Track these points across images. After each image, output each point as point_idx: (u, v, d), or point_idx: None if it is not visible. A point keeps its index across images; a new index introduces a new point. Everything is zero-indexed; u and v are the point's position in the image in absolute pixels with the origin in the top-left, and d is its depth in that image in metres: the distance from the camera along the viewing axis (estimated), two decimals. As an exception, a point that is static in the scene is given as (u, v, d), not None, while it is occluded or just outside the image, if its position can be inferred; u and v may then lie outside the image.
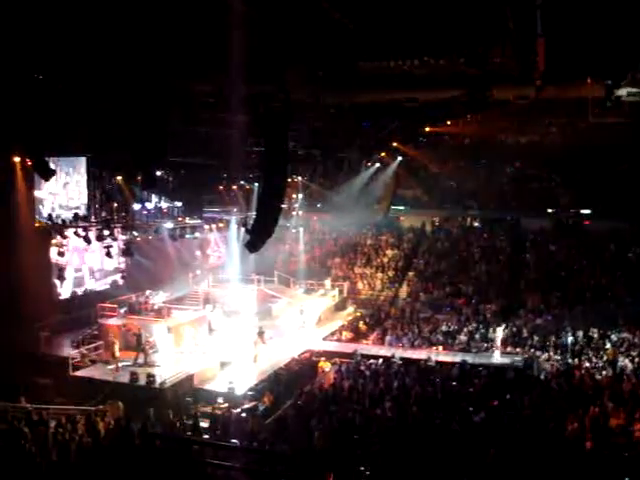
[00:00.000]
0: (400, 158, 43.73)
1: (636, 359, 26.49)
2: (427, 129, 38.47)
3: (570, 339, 29.49)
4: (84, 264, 32.20)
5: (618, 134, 33.76)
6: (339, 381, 25.12)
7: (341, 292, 39.59)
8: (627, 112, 28.26)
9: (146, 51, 15.42)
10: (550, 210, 43.05)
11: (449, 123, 37.31)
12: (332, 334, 33.16)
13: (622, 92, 24.83)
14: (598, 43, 18.29)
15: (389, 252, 44.00)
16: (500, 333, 29.54)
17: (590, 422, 19.84)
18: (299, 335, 31.87)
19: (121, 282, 34.05)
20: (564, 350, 28.55)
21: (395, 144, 41.48)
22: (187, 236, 32.72)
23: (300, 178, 43.02)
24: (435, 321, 33.83)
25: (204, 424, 21.20)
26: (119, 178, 30.41)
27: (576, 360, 27.11)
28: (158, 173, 32.88)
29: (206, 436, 20.36)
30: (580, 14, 16.43)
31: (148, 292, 31.09)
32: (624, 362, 26.16)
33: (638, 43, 17.48)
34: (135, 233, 31.33)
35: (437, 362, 27.14)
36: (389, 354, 28.38)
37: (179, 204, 35.19)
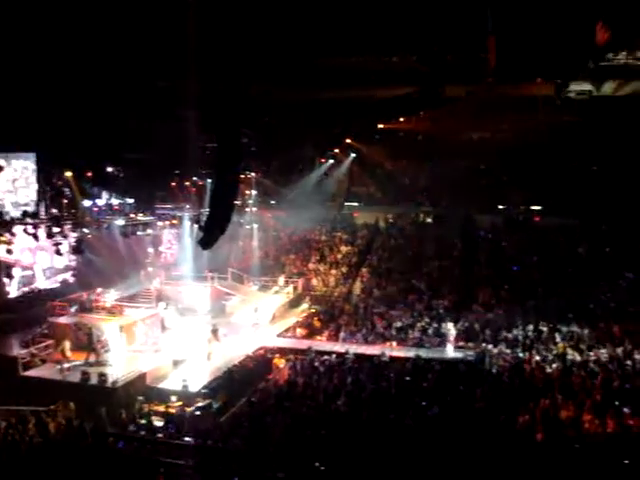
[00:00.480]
0: (354, 155, 43.97)
1: (585, 352, 27.03)
2: (381, 126, 38.76)
3: (521, 333, 29.96)
4: (35, 263, 31.59)
5: (568, 132, 34.48)
6: (293, 378, 25.14)
7: (295, 289, 39.58)
8: (577, 111, 28.88)
9: (100, 47, 15.23)
10: (501, 206, 43.76)
11: (402, 120, 37.65)
12: (286, 331, 33.12)
13: (571, 91, 25.38)
14: (548, 43, 18.64)
15: (343, 248, 44.14)
16: (452, 328, 29.84)
17: (541, 414, 20.22)
18: (253, 332, 31.78)
19: (72, 280, 33.52)
20: (515, 344, 28.97)
21: (349, 141, 41.73)
22: (139, 233, 32.38)
23: (254, 174, 42.94)
24: (389, 317, 34.01)
25: (157, 423, 21.03)
26: (68, 174, 29.87)
27: (527, 354, 27.52)
28: (109, 169, 32.51)
29: (159, 435, 20.21)
30: (531, 14, 16.71)
31: (99, 290, 30.64)
32: (573, 355, 26.67)
33: (586, 44, 17.85)
34: (86, 230, 30.82)
35: (391, 357, 27.32)
36: (343, 350, 28.47)
37: (131, 200, 34.80)
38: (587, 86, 26.65)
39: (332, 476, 15.34)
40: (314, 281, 41.29)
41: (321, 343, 30.88)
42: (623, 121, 33.13)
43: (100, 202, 33.05)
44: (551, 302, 32.90)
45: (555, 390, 22.30)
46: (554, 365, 25.65)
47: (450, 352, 28.79)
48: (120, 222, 31.96)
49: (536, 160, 40.84)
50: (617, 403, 20.83)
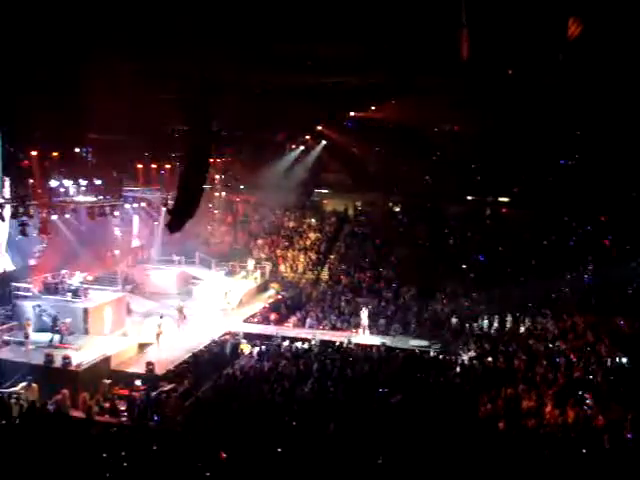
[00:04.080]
0: (324, 142, 43.95)
1: (548, 344, 27.36)
2: (352, 113, 38.73)
3: (486, 323, 30.27)
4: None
5: (537, 125, 34.78)
6: (259, 363, 25.18)
7: (263, 274, 39.60)
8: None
9: (67, 24, 14.98)
10: (469, 197, 44.06)
11: (374, 108, 37.64)
12: (253, 316, 33.15)
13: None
14: (520, 35, 18.74)
15: (312, 235, 44.20)
16: (365, 313, 30.62)
17: (503, 404, 20.49)
18: (220, 317, 31.77)
19: (37, 261, 33.01)
20: (480, 334, 29.26)
21: (320, 128, 41.67)
22: (106, 215, 31.91)
23: (224, 159, 42.72)
24: (355, 304, 34.14)
25: (121, 407, 20.95)
26: (34, 154, 29.33)
27: (491, 344, 27.78)
28: (77, 150, 32.04)
29: (123, 419, 20.16)
30: (504, 5, 16.77)
31: (65, 272, 30.34)
32: (537, 346, 26.99)
33: (558, 36, 17.97)
34: (52, 211, 30.34)
35: (356, 345, 27.50)
36: (309, 336, 28.60)
37: (98, 182, 34.30)
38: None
39: (295, 462, 15.41)
40: (282, 267, 41.33)
41: (287, 329, 30.96)
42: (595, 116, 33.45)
43: (67, 183, 32.45)
44: (515, 293, 33.23)
45: (518, 380, 22.60)
46: (517, 355, 25.95)
47: (415, 340, 29.06)
48: (87, 204, 31.53)
49: (505, 153, 41.18)
50: (579, 394, 21.20)
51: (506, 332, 29.32)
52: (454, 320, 30.96)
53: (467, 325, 30.34)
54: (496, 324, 30.27)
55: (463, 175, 43.63)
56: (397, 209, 46.64)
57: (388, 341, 28.37)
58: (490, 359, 25.39)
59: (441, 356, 26.58)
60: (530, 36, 19.61)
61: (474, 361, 25.42)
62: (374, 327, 30.93)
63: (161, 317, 28.37)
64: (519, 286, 34.01)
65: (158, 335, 27.13)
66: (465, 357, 26.22)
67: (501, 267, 37.36)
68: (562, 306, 32.19)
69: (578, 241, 39.06)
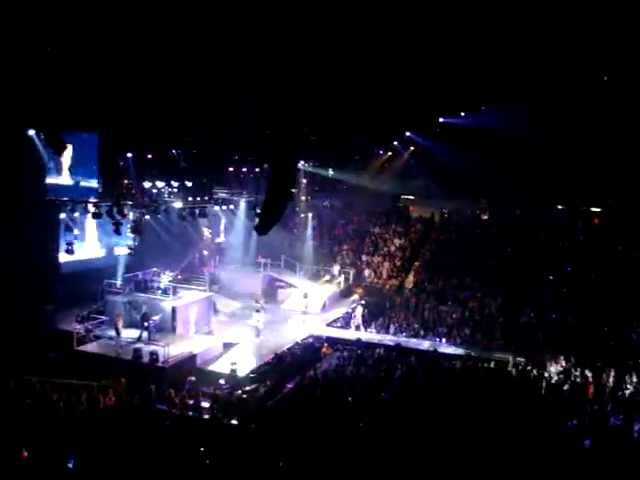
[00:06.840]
0: (412, 148, 43.67)
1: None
2: (440, 119, 38.36)
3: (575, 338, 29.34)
4: (93, 240, 32.11)
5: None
6: (341, 367, 25.20)
7: (347, 279, 39.62)
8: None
9: (163, 30, 15.36)
10: (560, 206, 42.90)
11: (463, 114, 37.18)
12: (336, 320, 33.19)
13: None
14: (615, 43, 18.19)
15: (397, 241, 43.94)
16: (360, 311, 31.61)
17: (590, 421, 19.87)
18: (303, 320, 31.98)
19: (129, 259, 33.97)
20: (567, 347, 28.35)
21: (408, 133, 41.44)
22: (196, 216, 32.59)
23: (311, 163, 43.01)
24: (440, 312, 33.74)
25: (205, 404, 21.33)
26: (130, 155, 30.23)
27: (579, 358, 26.91)
28: (170, 152, 32.86)
29: (206, 416, 20.51)
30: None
31: (155, 270, 31.14)
32: (626, 362, 26.02)
33: None
34: (144, 211, 31.20)
35: (440, 354, 27.18)
36: (392, 343, 28.45)
37: (189, 184, 35.09)
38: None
39: (371, 467, 15.34)
40: (366, 272, 41.26)
41: (370, 335, 30.87)
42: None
43: (160, 184, 33.31)
44: (605, 306, 32.10)
45: (605, 397, 21.91)
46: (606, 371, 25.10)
47: (499, 353, 28.45)
48: (178, 205, 32.29)
49: (600, 162, 39.88)
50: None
51: (595, 346, 28.35)
52: (541, 333, 30.19)
53: (555, 338, 29.46)
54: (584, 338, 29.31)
55: (554, 184, 42.51)
56: (485, 217, 45.88)
57: (472, 352, 27.89)
58: (578, 374, 24.68)
59: (527, 370, 25.90)
60: (627, 44, 19.07)
61: (561, 376, 24.74)
62: (457, 336, 30.54)
63: (257, 311, 29.12)
64: (609, 299, 32.82)
65: (258, 328, 28.32)
66: (552, 371, 25.55)
67: (590, 279, 36.16)
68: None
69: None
